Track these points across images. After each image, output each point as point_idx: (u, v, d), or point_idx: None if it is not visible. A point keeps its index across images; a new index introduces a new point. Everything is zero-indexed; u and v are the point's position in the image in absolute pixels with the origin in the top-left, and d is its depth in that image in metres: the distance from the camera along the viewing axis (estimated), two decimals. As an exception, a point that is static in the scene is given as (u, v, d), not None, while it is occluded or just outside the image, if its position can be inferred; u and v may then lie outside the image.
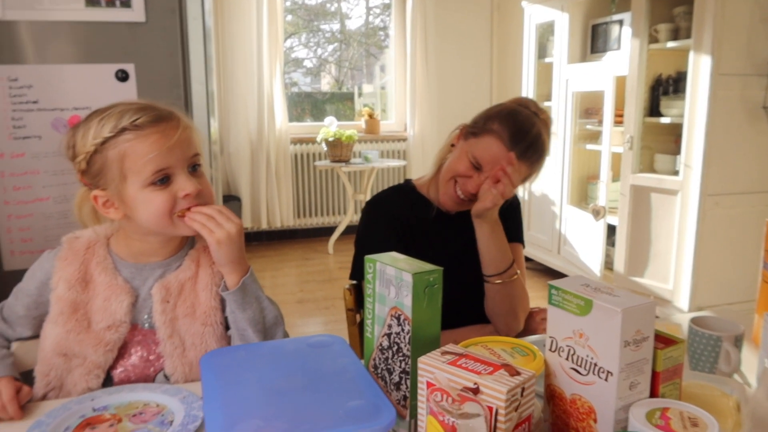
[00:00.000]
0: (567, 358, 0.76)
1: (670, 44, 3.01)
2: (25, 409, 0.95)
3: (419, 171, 5.03)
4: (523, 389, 0.66)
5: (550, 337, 0.79)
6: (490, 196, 1.25)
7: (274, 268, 4.37)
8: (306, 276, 4.20)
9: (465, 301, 1.35)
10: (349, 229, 4.82)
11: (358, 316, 1.46)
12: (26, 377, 1.05)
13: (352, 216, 4.86)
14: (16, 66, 1.51)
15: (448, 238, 1.41)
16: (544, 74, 4.07)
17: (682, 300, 3.00)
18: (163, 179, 0.99)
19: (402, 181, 1.52)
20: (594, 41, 3.77)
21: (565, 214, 3.84)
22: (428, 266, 0.85)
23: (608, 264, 3.50)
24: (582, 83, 3.65)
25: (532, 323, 1.41)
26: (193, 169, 1.03)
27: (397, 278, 0.85)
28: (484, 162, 1.29)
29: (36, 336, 1.10)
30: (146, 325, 1.07)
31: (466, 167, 1.31)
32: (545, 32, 4.09)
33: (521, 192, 4.12)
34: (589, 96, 3.72)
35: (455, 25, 5.18)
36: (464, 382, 0.67)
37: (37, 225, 1.56)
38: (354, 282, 1.46)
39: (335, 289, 3.88)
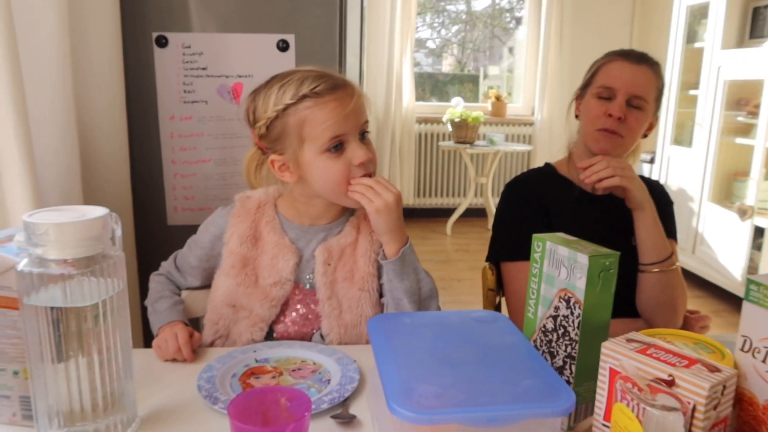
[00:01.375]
0: (764, 361, 0.70)
1: None
2: (195, 353, 1.01)
3: (545, 156, 4.85)
4: (724, 387, 0.61)
5: (743, 336, 0.72)
6: (608, 171, 1.19)
7: (391, 245, 4.42)
8: (423, 255, 4.17)
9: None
10: (468, 212, 4.77)
11: (497, 297, 1.44)
12: (192, 324, 1.12)
13: (472, 198, 4.80)
14: (189, 34, 1.60)
15: (591, 220, 1.35)
16: (692, 61, 3.77)
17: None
18: (338, 146, 1.02)
19: (529, 166, 1.48)
20: (754, 25, 3.43)
21: (705, 212, 3.56)
22: (603, 249, 0.82)
23: (751, 269, 3.21)
24: (737, 71, 3.34)
25: (690, 330, 1.32)
26: (362, 136, 1.05)
27: (570, 259, 0.81)
28: (613, 85, 1.28)
29: (203, 287, 1.18)
30: (307, 285, 1.11)
31: (598, 105, 1.30)
32: (697, 15, 3.78)
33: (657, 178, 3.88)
34: (742, 85, 3.40)
35: (594, 6, 4.93)
36: (656, 372, 0.63)
37: (199, 185, 1.67)
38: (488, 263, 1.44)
39: (452, 270, 3.86)
